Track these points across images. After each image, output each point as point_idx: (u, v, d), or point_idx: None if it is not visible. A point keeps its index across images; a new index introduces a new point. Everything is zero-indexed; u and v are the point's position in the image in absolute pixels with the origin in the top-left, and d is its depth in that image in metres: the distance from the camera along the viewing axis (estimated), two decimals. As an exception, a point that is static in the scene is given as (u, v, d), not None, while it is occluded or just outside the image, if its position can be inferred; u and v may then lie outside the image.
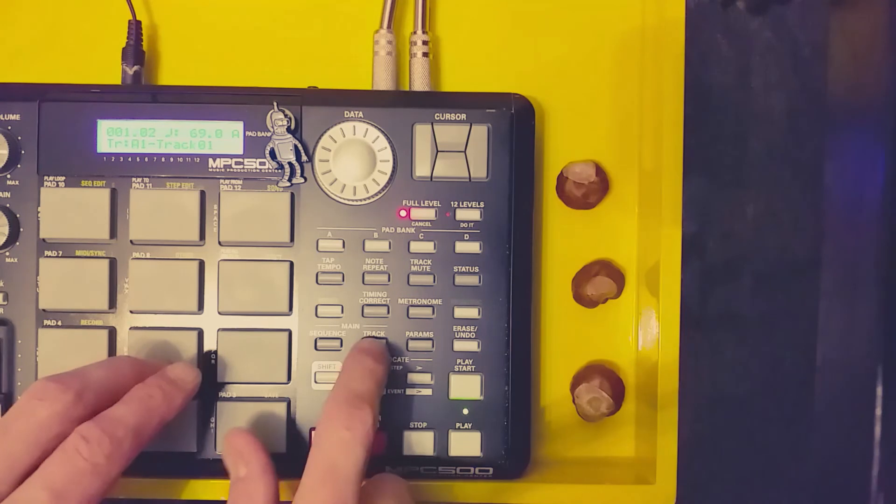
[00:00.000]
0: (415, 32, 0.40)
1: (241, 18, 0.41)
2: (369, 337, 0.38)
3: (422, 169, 0.38)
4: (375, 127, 0.38)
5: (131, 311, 0.38)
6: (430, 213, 0.38)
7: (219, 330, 0.38)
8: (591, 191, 0.40)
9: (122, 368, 0.33)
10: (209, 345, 0.38)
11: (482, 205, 0.38)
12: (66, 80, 0.39)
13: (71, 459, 0.29)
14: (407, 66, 0.40)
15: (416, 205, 0.38)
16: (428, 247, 0.38)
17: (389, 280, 0.38)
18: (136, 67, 0.39)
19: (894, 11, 0.39)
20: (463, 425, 0.38)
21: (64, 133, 0.37)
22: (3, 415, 0.37)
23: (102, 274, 0.37)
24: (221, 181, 0.38)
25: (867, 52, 0.40)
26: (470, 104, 0.38)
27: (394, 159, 0.38)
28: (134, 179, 0.37)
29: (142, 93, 0.38)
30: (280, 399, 0.38)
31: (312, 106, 0.38)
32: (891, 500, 0.39)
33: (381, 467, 0.37)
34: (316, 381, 0.38)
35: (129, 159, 0.37)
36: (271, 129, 0.37)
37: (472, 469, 0.38)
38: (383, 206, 0.38)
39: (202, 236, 0.38)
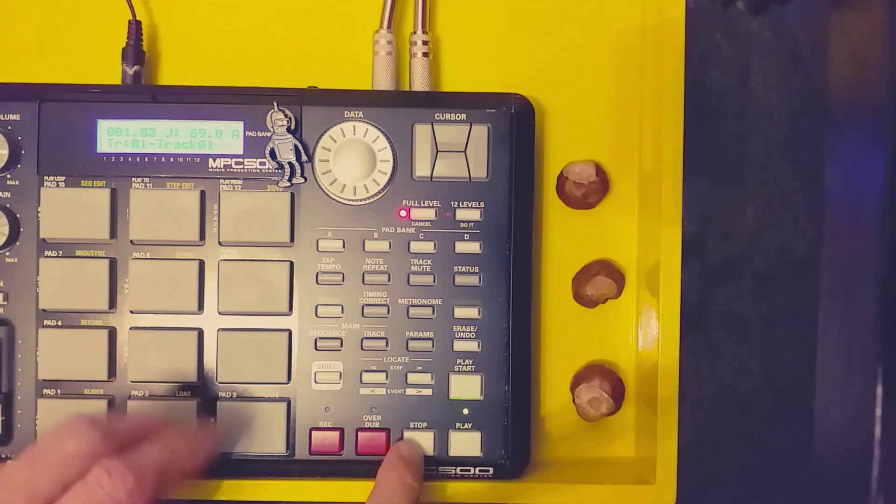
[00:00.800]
0: (415, 32, 0.40)
1: (241, 18, 0.41)
2: (406, 440, 0.37)
3: (422, 169, 0.38)
4: (375, 127, 0.38)
5: (131, 311, 0.38)
6: (430, 213, 0.38)
7: (219, 330, 0.38)
8: (591, 191, 0.40)
9: (152, 419, 0.34)
10: (209, 345, 0.38)
11: (482, 205, 0.38)
12: (66, 80, 0.39)
13: (91, 492, 0.29)
14: (407, 66, 0.40)
15: (416, 205, 0.38)
16: (428, 247, 0.38)
17: (389, 280, 0.38)
18: (136, 67, 0.39)
19: (894, 11, 0.39)
20: (463, 425, 0.38)
21: (64, 133, 0.37)
22: (1, 414, 0.37)
23: (102, 274, 0.37)
24: (221, 181, 0.37)
25: (867, 52, 0.40)
26: (470, 104, 0.38)
27: (394, 159, 0.38)
28: (134, 179, 0.37)
29: (142, 93, 0.38)
30: (280, 399, 0.38)
31: (312, 106, 0.38)
32: (891, 500, 0.39)
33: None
34: (316, 381, 0.38)
35: (129, 159, 0.37)
36: (271, 129, 0.37)
37: (472, 469, 0.38)
38: (383, 206, 0.38)
39: (202, 236, 0.38)
